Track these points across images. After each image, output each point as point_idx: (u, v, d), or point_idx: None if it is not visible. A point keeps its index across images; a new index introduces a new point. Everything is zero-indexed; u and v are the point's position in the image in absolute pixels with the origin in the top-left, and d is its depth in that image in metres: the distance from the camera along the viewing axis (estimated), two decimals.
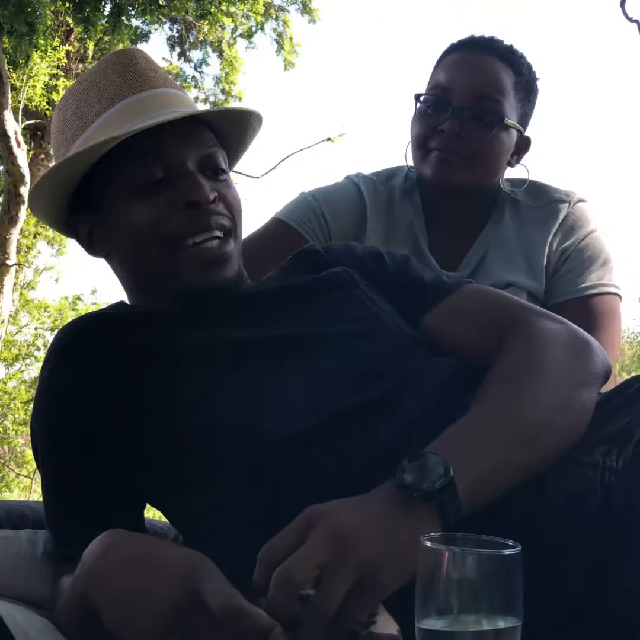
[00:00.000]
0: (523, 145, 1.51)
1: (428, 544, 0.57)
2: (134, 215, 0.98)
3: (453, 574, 0.56)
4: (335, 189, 1.53)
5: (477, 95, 1.40)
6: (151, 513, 1.15)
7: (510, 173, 1.55)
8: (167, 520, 1.04)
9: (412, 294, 1.06)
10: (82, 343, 1.00)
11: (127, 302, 1.09)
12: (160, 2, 7.21)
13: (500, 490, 0.76)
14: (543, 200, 1.52)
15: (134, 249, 1.00)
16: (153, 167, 0.97)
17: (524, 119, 1.49)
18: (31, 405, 1.05)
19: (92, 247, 1.07)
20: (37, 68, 9.12)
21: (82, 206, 1.04)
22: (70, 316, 11.47)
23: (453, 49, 1.48)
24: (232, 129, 1.09)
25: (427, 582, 0.57)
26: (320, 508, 0.71)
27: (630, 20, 4.63)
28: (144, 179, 0.97)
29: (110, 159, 0.97)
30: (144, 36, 8.47)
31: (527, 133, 1.52)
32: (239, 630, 0.64)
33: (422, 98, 1.46)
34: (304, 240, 1.43)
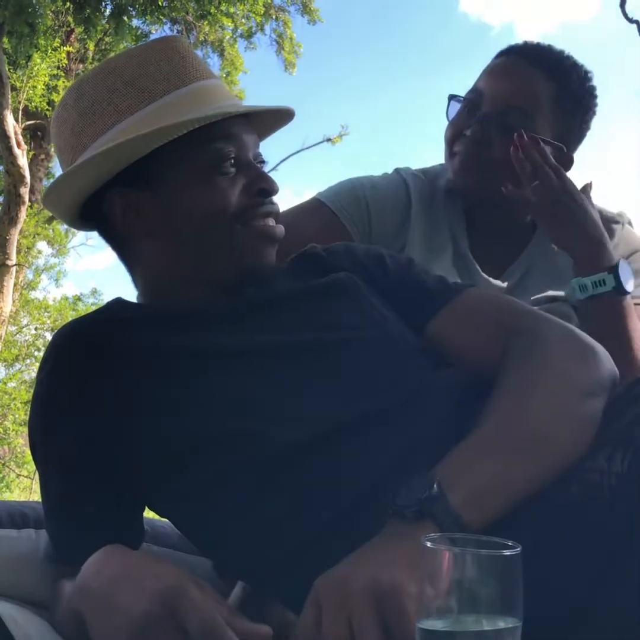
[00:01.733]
0: (562, 161, 1.37)
1: (428, 544, 0.57)
2: (206, 192, 0.98)
3: (453, 575, 0.56)
4: (383, 182, 1.49)
5: (506, 104, 1.35)
6: (151, 513, 1.14)
7: None
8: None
9: (415, 299, 1.05)
10: (79, 346, 0.99)
11: (125, 299, 1.06)
12: (160, 3, 7.21)
13: (503, 503, 0.76)
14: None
15: (195, 225, 0.98)
16: (229, 151, 0.99)
17: (567, 136, 1.40)
18: (30, 406, 1.04)
19: (127, 224, 1.00)
20: (38, 68, 9.13)
21: (124, 181, 0.99)
22: (70, 316, 11.47)
23: (500, 55, 1.44)
24: (265, 129, 1.12)
25: (427, 583, 0.57)
26: (322, 580, 0.71)
27: (631, 21, 4.63)
28: (220, 161, 0.99)
29: (178, 139, 0.96)
30: (145, 36, 8.47)
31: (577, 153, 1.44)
32: None
33: (453, 103, 1.43)
34: (340, 226, 1.41)
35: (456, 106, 1.43)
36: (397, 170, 1.51)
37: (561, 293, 1.42)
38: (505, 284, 1.44)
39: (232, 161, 1.00)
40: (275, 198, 1.03)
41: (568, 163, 1.41)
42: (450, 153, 1.42)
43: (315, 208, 1.44)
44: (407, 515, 0.71)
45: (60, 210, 1.07)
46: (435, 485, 0.72)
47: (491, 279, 1.42)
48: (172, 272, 1.01)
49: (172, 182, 0.99)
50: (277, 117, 1.13)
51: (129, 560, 0.78)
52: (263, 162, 1.06)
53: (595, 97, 1.44)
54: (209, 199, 0.98)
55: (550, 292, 1.42)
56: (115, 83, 1.00)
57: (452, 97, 1.43)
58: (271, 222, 1.02)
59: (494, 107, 1.36)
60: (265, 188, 1.01)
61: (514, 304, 1.05)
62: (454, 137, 1.41)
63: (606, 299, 1.25)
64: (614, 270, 1.24)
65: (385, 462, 0.83)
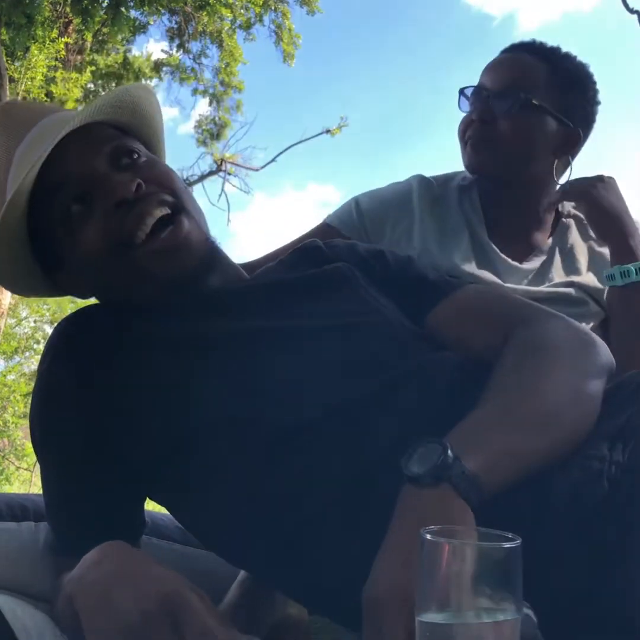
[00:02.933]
0: (569, 137, 1.47)
1: (428, 536, 0.57)
2: (81, 242, 0.96)
3: (453, 567, 0.56)
4: (388, 188, 1.57)
5: (504, 85, 1.44)
6: (151, 505, 1.15)
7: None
8: (168, 513, 1.04)
9: (415, 291, 1.05)
10: (80, 336, 1.00)
11: None
12: None
13: (514, 473, 0.76)
14: None
15: (101, 272, 0.98)
16: (67, 193, 0.95)
17: (569, 111, 1.46)
18: (31, 398, 1.04)
19: (77, 293, 1.07)
20: (36, 60, 9.10)
21: (48, 266, 1.02)
22: (70, 309, 11.47)
23: (499, 54, 1.54)
24: (134, 116, 1.05)
25: (427, 575, 0.57)
26: (370, 594, 0.68)
27: (631, 11, 4.62)
28: (63, 213, 0.96)
29: (34, 210, 0.95)
30: (143, 27, 8.45)
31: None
32: None
33: (462, 97, 1.51)
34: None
35: (465, 100, 1.51)
36: (411, 178, 1.58)
37: (580, 280, 1.48)
38: (524, 265, 1.48)
39: (78, 197, 0.95)
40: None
41: (576, 138, 1.47)
42: (463, 143, 1.49)
43: (323, 231, 1.50)
44: (424, 481, 0.71)
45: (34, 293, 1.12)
46: (449, 451, 0.71)
47: (510, 260, 1.47)
48: (136, 299, 1.01)
49: (61, 250, 0.99)
50: (134, 98, 1.04)
51: (130, 558, 0.78)
52: (134, 153, 0.99)
53: (593, 82, 1.50)
54: (85, 243, 0.95)
55: (570, 278, 1.48)
56: None
57: (461, 91, 1.51)
58: (161, 232, 0.94)
59: (494, 94, 1.44)
60: (117, 201, 0.93)
61: (515, 298, 1.07)
62: (464, 128, 1.49)
63: None
64: None
65: (384, 444, 0.83)
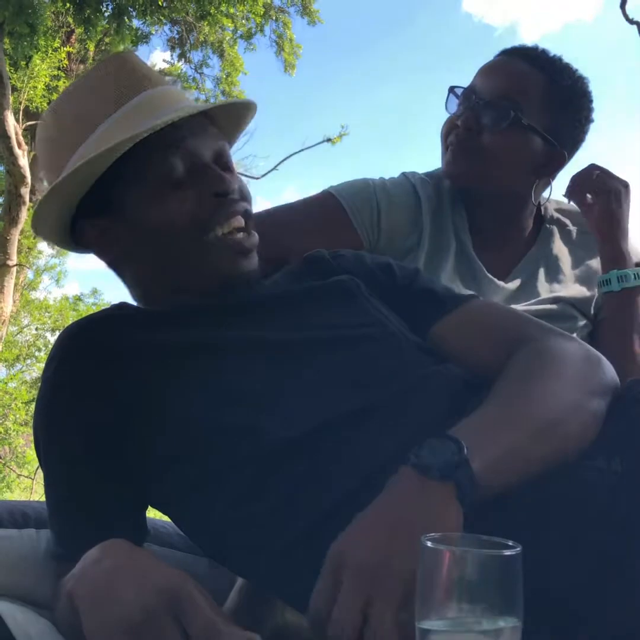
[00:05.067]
0: (554, 158, 1.42)
1: (428, 544, 0.57)
2: (163, 208, 0.98)
3: (453, 574, 0.56)
4: (394, 185, 1.49)
5: (496, 94, 1.38)
6: (153, 513, 1.15)
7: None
8: (169, 519, 1.04)
9: (421, 304, 1.06)
10: (85, 344, 1.00)
11: (130, 303, 1.09)
12: (161, 3, 7.21)
13: (515, 477, 0.76)
14: None
15: (163, 242, 1.00)
16: (177, 161, 0.98)
17: (558, 131, 1.41)
18: (32, 406, 1.05)
19: (104, 250, 1.06)
20: (38, 69, 9.14)
21: (91, 209, 1.03)
22: (71, 316, 11.48)
23: (495, 56, 1.48)
24: (229, 122, 1.11)
25: (427, 583, 0.57)
26: (339, 548, 0.71)
27: (631, 22, 4.63)
28: (169, 173, 0.98)
29: (128, 158, 0.97)
30: (145, 37, 8.48)
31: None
32: None
33: (451, 96, 1.46)
34: (347, 221, 1.41)
35: (454, 101, 1.45)
36: (404, 175, 1.53)
37: (565, 294, 1.46)
38: (508, 285, 1.46)
39: (181, 170, 0.99)
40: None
41: (560, 160, 1.43)
42: (445, 146, 1.44)
43: (325, 199, 1.44)
44: (432, 474, 0.71)
45: (50, 238, 1.11)
46: (465, 451, 0.72)
47: (496, 280, 1.44)
48: (156, 288, 1.05)
49: (131, 204, 1.00)
50: (242, 111, 1.11)
51: (131, 554, 0.77)
52: (227, 160, 1.05)
53: (589, 100, 1.45)
54: (165, 216, 0.98)
55: (555, 293, 1.46)
56: (64, 122, 1.04)
57: (451, 90, 1.45)
58: (238, 234, 1.01)
59: (483, 100, 1.38)
60: (219, 191, 0.99)
61: (521, 315, 1.07)
62: (448, 130, 1.44)
63: None
64: None
65: (386, 455, 0.83)
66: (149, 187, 0.98)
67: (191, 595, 0.70)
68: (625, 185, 1.43)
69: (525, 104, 1.37)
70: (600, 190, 1.42)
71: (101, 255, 1.07)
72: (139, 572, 0.73)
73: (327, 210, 1.42)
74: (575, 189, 1.45)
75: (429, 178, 1.52)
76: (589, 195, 1.44)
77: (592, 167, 1.44)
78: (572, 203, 1.50)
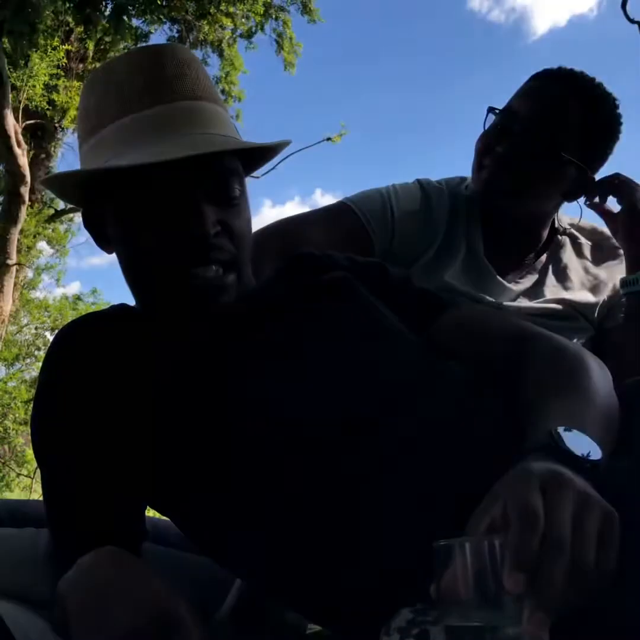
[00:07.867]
0: (584, 183, 1.49)
1: (446, 541, 0.57)
2: (136, 236, 0.95)
3: (472, 569, 0.55)
4: (408, 193, 1.54)
5: (536, 123, 1.42)
6: (152, 512, 1.15)
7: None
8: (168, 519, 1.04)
9: (417, 304, 1.06)
10: (82, 343, 1.00)
11: (130, 304, 1.08)
12: (160, 2, 7.21)
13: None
14: (608, 242, 1.60)
15: (133, 266, 0.98)
16: (159, 193, 0.92)
17: (591, 159, 1.47)
18: (31, 405, 1.05)
19: (100, 239, 1.02)
20: (37, 68, 9.14)
21: (103, 193, 0.98)
22: (71, 316, 11.48)
23: (534, 78, 1.51)
24: (261, 162, 1.07)
25: (447, 579, 0.56)
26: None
27: (632, 21, 4.62)
28: (148, 204, 0.93)
29: (116, 173, 0.92)
30: (144, 36, 8.47)
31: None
32: None
33: (491, 115, 1.50)
34: (365, 233, 1.45)
35: (492, 120, 1.50)
36: (419, 182, 1.57)
37: (570, 297, 1.51)
38: (515, 287, 1.50)
39: (164, 203, 0.92)
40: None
41: (590, 185, 1.50)
42: (478, 165, 1.49)
43: (342, 212, 1.49)
44: (587, 466, 0.70)
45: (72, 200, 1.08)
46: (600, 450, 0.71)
47: (504, 281, 1.48)
48: (139, 300, 1.02)
49: (112, 221, 0.97)
50: (276, 153, 1.06)
51: (125, 568, 0.76)
52: (231, 198, 0.96)
53: (620, 124, 1.50)
54: (140, 241, 0.94)
55: (560, 296, 1.51)
56: (89, 101, 1.00)
57: (490, 110, 1.50)
58: (210, 272, 0.92)
59: (525, 126, 1.43)
60: (192, 235, 0.91)
61: (512, 315, 1.08)
62: (484, 150, 1.48)
63: None
64: None
65: (390, 454, 0.83)
66: (129, 207, 0.94)
67: (183, 621, 0.70)
68: None
69: (564, 133, 1.42)
70: (625, 193, 1.47)
71: (100, 242, 1.03)
72: (130, 590, 0.72)
73: (345, 222, 1.46)
74: (602, 192, 1.51)
75: (444, 185, 1.57)
76: (607, 205, 1.51)
77: (615, 176, 1.50)
78: (583, 220, 1.58)
